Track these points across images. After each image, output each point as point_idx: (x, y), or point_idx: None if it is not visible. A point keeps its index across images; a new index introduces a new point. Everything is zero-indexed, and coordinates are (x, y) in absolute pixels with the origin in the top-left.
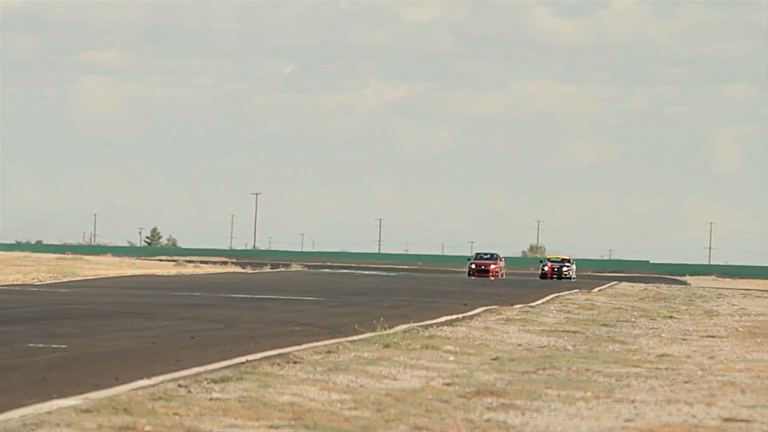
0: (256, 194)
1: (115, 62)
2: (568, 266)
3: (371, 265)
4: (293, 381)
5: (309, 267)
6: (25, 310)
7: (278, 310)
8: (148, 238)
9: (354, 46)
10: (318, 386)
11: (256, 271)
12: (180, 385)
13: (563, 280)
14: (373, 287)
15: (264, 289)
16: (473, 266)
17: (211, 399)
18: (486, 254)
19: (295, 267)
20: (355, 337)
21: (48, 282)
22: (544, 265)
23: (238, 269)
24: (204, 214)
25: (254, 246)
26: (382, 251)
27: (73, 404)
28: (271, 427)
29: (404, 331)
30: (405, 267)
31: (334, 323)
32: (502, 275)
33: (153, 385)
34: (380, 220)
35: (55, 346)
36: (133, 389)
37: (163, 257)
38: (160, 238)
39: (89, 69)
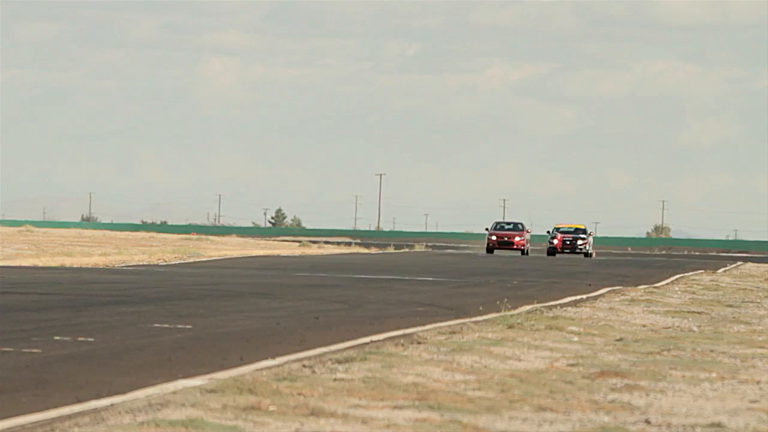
0: (380, 175)
1: (240, 43)
2: (583, 238)
3: None
4: (417, 361)
5: (433, 247)
6: (151, 290)
7: (402, 290)
8: (272, 218)
9: (478, 26)
10: (442, 367)
11: (380, 251)
12: (304, 366)
13: (578, 255)
14: (497, 268)
15: (388, 269)
16: (494, 238)
17: (335, 379)
18: (508, 223)
19: (419, 248)
20: (479, 318)
21: (173, 262)
22: (552, 238)
23: (362, 250)
24: (328, 195)
25: (378, 227)
26: None
27: (198, 384)
28: (395, 407)
29: (528, 312)
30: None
31: (458, 304)
32: (527, 251)
33: (277, 366)
34: (504, 200)
35: (180, 326)
36: (257, 369)
37: (288, 238)
38: (284, 218)
39: (214, 50)
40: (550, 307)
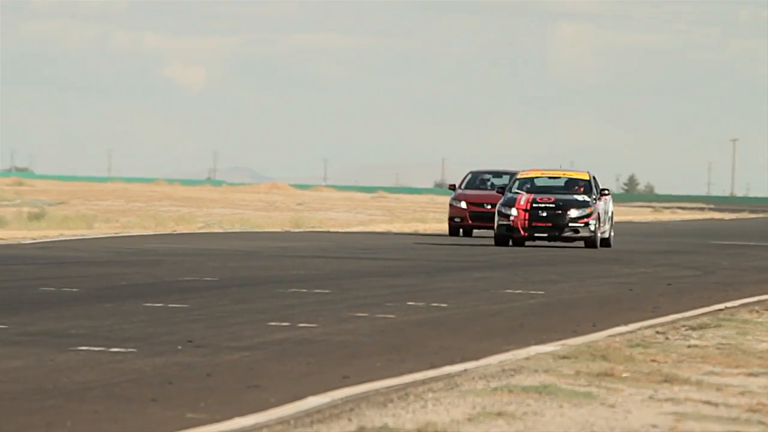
0: (734, 140)
1: (592, 8)
2: (585, 205)
3: None
4: None
5: None
6: (504, 256)
7: (757, 256)
8: (625, 184)
9: None
10: None
11: (734, 217)
12: (657, 332)
13: (569, 244)
14: None
15: (742, 235)
16: (462, 205)
17: (689, 346)
18: (498, 175)
19: None
20: None
21: None
22: (508, 204)
23: (716, 215)
24: (681, 161)
25: (732, 193)
26: None
27: (551, 350)
28: (750, 374)
29: None
30: None
31: None
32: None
33: (630, 332)
34: None
35: (532, 292)
36: (610, 336)
37: (640, 203)
38: (637, 185)
39: (566, 15)
40: None
